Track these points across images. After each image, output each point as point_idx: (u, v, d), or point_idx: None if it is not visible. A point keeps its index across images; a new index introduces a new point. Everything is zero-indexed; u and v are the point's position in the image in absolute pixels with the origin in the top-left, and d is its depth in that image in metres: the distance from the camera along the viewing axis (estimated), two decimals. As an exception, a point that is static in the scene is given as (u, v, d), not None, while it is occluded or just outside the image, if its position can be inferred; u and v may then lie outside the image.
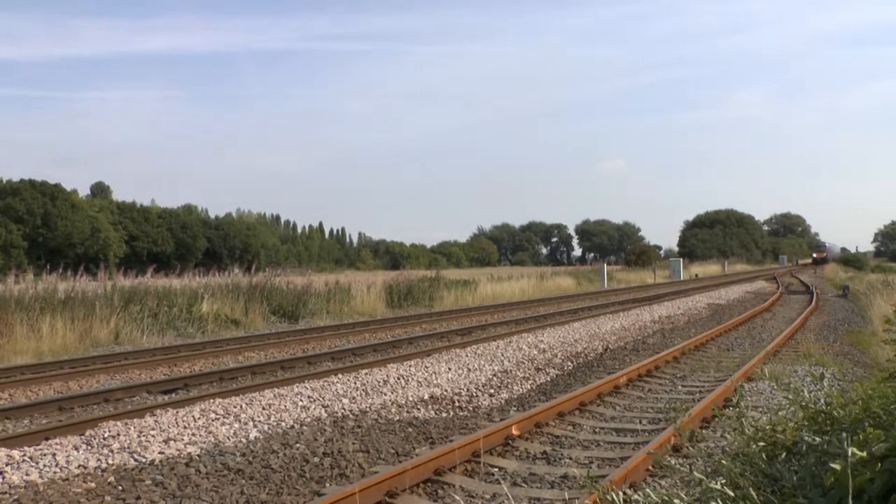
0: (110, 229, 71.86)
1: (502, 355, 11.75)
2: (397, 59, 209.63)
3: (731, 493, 2.58)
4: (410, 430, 7.23)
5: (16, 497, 5.04)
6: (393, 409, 8.05)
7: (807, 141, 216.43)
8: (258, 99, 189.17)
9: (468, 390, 9.28)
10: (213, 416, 7.37)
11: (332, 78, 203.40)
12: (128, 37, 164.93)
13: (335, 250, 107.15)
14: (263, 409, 7.74)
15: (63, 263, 21.75)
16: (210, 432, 6.74)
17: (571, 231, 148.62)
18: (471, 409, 8.36)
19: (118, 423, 7.08)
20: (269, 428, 7.00)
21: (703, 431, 6.85)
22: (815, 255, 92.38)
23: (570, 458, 6.19)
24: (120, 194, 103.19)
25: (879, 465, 2.24)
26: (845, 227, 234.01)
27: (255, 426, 7.04)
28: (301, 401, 8.19)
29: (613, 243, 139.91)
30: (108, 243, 70.10)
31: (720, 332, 15.25)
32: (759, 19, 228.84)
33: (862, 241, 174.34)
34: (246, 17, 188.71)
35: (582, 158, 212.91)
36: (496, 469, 5.86)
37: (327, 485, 5.55)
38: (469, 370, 10.45)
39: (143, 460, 5.90)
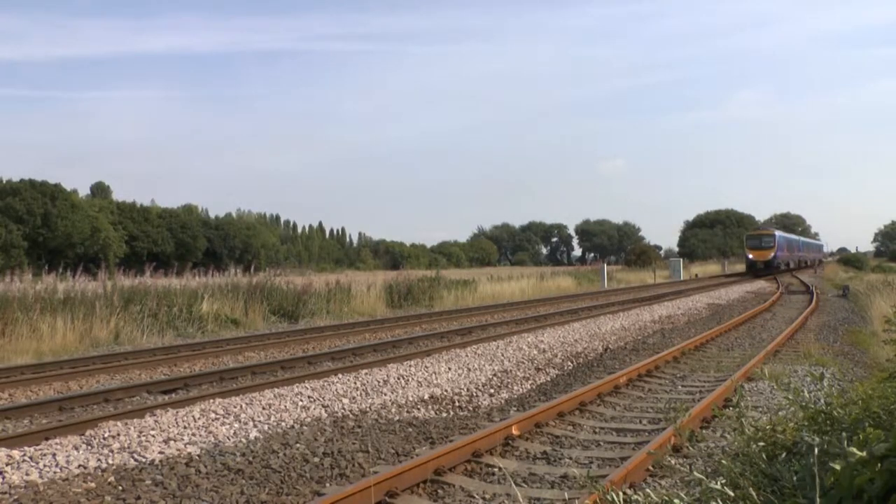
0: (110, 229, 71.89)
1: (502, 355, 11.75)
2: (397, 59, 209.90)
3: (731, 493, 2.58)
4: (410, 430, 7.23)
5: (16, 497, 5.04)
6: (393, 409, 8.05)
7: (807, 141, 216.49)
8: (258, 99, 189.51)
9: (468, 390, 9.27)
10: (213, 416, 7.36)
11: (332, 78, 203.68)
12: (128, 37, 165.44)
13: (335, 250, 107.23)
14: (263, 409, 7.74)
15: (63, 263, 21.76)
16: (210, 432, 6.74)
17: (571, 231, 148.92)
18: (471, 408, 8.36)
19: (118, 423, 7.08)
20: (269, 428, 7.00)
21: (703, 431, 6.85)
22: (750, 257, 48.52)
23: (570, 458, 6.19)
24: (120, 194, 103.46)
25: (879, 465, 2.24)
26: (845, 227, 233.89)
27: (255, 426, 7.04)
28: (301, 401, 8.19)
29: (613, 243, 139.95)
30: (108, 243, 70.12)
31: (720, 332, 15.25)
32: (759, 19, 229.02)
33: (862, 241, 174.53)
34: (246, 17, 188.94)
35: (582, 158, 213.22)
36: (496, 469, 5.86)
37: (327, 485, 5.55)
38: (469, 370, 10.45)
39: (143, 460, 5.90)
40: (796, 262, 57.92)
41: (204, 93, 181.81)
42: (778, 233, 51.09)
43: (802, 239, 68.56)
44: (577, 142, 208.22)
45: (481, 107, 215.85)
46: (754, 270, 47.78)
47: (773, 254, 47.48)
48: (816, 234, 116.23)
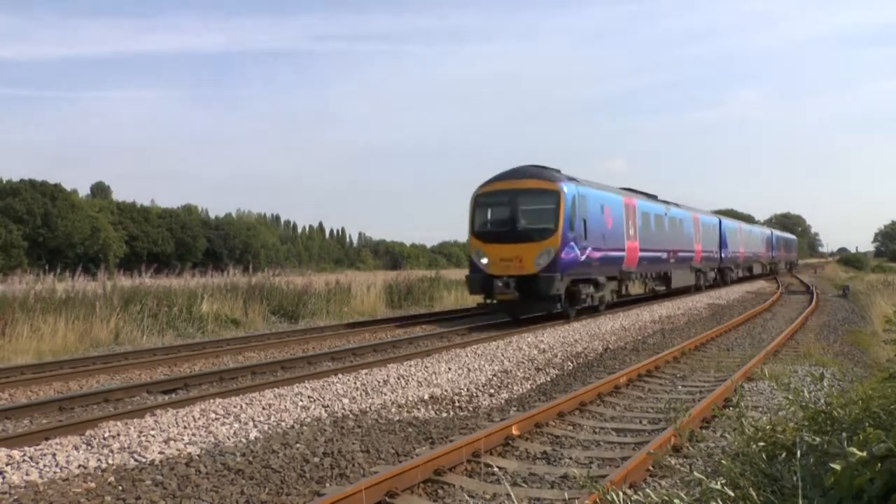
0: (110, 229, 71.94)
1: (502, 355, 11.75)
2: (397, 59, 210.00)
3: (731, 494, 2.58)
4: (410, 430, 7.22)
5: (16, 497, 5.04)
6: (393, 409, 8.05)
7: (807, 141, 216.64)
8: (258, 99, 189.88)
9: (468, 390, 9.27)
10: (213, 416, 7.36)
11: (332, 78, 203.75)
12: (128, 37, 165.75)
13: (335, 250, 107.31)
14: (263, 409, 7.73)
15: (63, 263, 21.78)
16: (210, 432, 6.73)
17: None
18: (471, 409, 8.36)
19: (118, 423, 7.08)
20: (269, 428, 7.00)
21: (703, 431, 6.85)
22: (482, 262, 16.79)
23: (570, 458, 6.18)
24: (120, 194, 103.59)
25: (879, 465, 2.24)
26: (845, 227, 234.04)
27: (255, 426, 7.04)
28: (301, 401, 8.19)
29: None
30: (108, 243, 70.16)
31: (720, 332, 15.25)
32: (759, 19, 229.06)
33: (862, 241, 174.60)
34: (246, 17, 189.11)
35: (582, 158, 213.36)
36: (496, 469, 5.86)
37: (327, 485, 5.55)
38: (469, 370, 10.45)
39: (143, 460, 5.90)
40: (697, 268, 27.86)
41: (204, 93, 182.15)
42: (569, 186, 17.17)
43: (730, 223, 34.55)
44: (577, 142, 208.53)
45: (481, 107, 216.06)
46: (491, 304, 17.57)
47: (546, 252, 16.40)
48: (816, 235, 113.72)
